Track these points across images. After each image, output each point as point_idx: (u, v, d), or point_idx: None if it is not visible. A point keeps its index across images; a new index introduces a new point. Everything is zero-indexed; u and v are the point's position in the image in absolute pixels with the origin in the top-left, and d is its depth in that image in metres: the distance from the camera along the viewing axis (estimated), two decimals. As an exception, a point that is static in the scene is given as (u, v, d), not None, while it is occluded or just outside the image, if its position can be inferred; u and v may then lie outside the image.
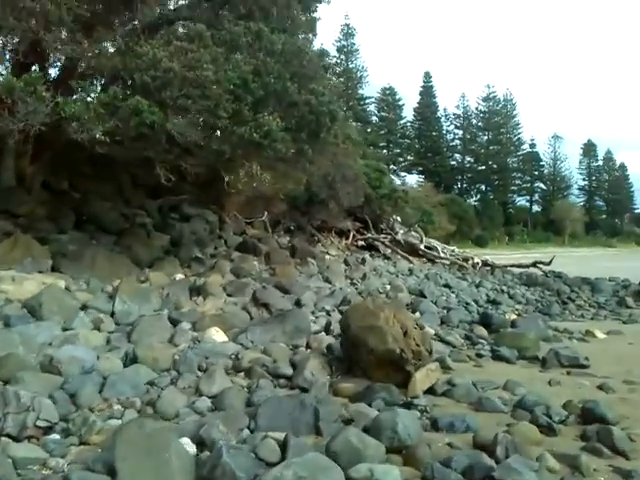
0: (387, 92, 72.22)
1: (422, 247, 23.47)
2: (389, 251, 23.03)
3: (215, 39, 9.43)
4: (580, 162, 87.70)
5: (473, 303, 14.41)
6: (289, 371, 6.15)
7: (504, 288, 18.40)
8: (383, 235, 23.15)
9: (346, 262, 18.71)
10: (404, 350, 6.20)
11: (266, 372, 6.21)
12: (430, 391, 6.22)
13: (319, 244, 21.23)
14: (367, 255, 21.30)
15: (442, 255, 23.93)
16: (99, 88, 9.87)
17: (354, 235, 22.83)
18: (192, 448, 4.05)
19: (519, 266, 24.35)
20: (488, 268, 23.81)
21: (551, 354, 8.19)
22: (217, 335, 7.49)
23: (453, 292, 16.13)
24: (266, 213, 21.02)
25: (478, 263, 24.02)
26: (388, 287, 14.86)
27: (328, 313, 10.25)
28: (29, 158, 11.67)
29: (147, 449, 3.63)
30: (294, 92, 9.89)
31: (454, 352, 8.72)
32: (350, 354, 6.59)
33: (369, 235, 22.84)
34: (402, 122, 74.20)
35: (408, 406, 5.59)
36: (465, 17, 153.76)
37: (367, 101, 69.88)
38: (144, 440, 3.69)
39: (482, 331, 10.59)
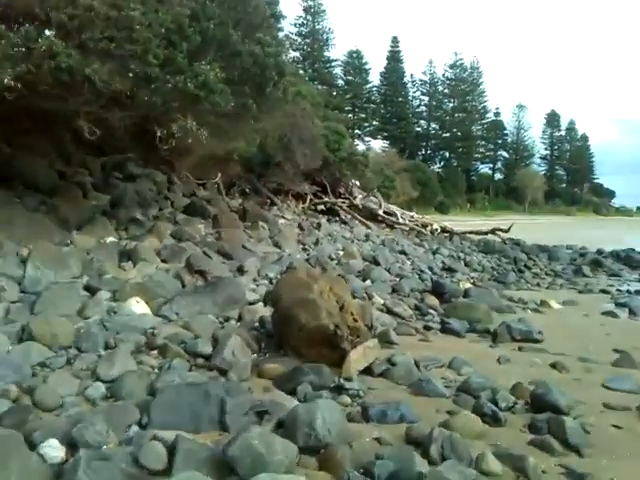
0: (354, 55, 70.73)
1: (381, 212, 22.79)
2: (349, 217, 22.32)
3: (148, -22, 8.35)
4: (543, 132, 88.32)
5: (428, 270, 13.83)
6: (209, 349, 5.35)
7: (461, 255, 17.92)
8: (341, 200, 22.36)
9: (300, 227, 17.93)
10: (339, 326, 5.48)
11: (183, 350, 5.41)
12: (367, 371, 5.54)
13: (274, 207, 20.35)
14: (323, 220, 20.56)
15: (401, 221, 23.30)
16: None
17: (311, 199, 21.99)
18: (59, 452, 3.26)
19: (478, 233, 23.91)
20: (447, 235, 23.34)
21: (503, 327, 7.61)
22: (137, 306, 6.66)
23: (409, 259, 15.55)
24: (219, 175, 20.03)
25: (437, 229, 23.51)
26: (341, 253, 14.17)
27: (271, 281, 9.49)
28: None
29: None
30: (237, 41, 8.91)
31: (401, 325, 8.08)
32: (280, 330, 5.85)
33: (326, 199, 22.03)
34: (368, 87, 72.94)
35: (339, 390, 4.90)
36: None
37: (333, 64, 68.34)
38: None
39: (433, 301, 10.01)
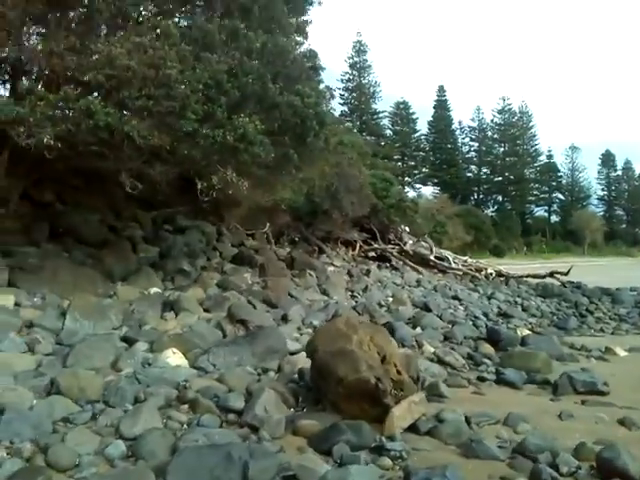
0: (401, 106, 71.05)
1: (432, 257, 22.14)
2: (400, 263, 21.78)
3: (185, 37, 8.46)
4: (599, 172, 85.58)
5: (482, 317, 13.13)
6: (241, 404, 4.98)
7: (518, 300, 17.06)
8: (391, 245, 21.89)
9: (350, 273, 17.55)
10: (381, 379, 5.03)
11: (215, 405, 5.06)
12: (413, 429, 5.03)
13: (323, 255, 20.07)
14: (374, 266, 20.11)
15: (453, 265, 22.58)
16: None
17: (361, 246, 21.62)
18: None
19: (535, 276, 22.85)
20: (502, 278, 22.43)
21: (564, 379, 6.92)
22: (173, 357, 6.38)
23: (462, 304, 14.86)
24: (268, 224, 20.01)
25: (492, 273, 22.61)
26: (390, 300, 13.67)
27: (315, 329, 9.10)
28: (3, 169, 10.73)
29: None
30: (275, 93, 8.85)
31: (452, 375, 7.50)
32: (318, 383, 5.43)
33: (375, 246, 21.61)
34: (416, 135, 72.92)
35: (379, 451, 4.41)
36: (479, 29, 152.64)
37: (380, 115, 68.81)
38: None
39: (488, 349, 9.36)
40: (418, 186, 71.40)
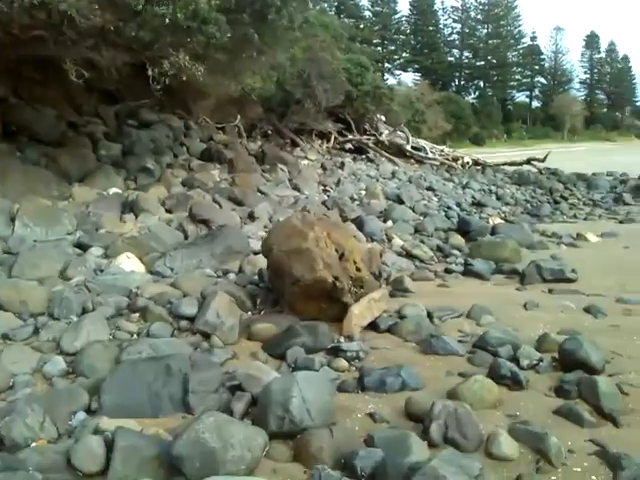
0: (380, -16, 67.20)
1: (408, 148, 21.64)
2: (377, 154, 21.27)
3: None
4: (582, 55, 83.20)
5: (455, 207, 12.95)
6: (193, 310, 4.74)
7: (492, 188, 16.88)
8: (366, 136, 21.26)
9: (323, 167, 17.12)
10: (338, 277, 4.80)
11: (167, 312, 4.83)
12: (373, 327, 4.88)
13: (297, 149, 19.48)
14: (348, 158, 19.64)
15: (430, 155, 22.15)
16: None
17: (335, 138, 20.98)
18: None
19: (512, 164, 22.61)
20: (479, 167, 22.14)
21: (531, 267, 6.80)
22: (127, 263, 6.09)
23: (436, 195, 14.67)
24: (239, 117, 19.19)
25: (468, 162, 22.27)
26: (363, 193, 13.37)
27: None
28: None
29: None
30: (230, -38, 7.97)
31: (419, 269, 7.37)
32: (275, 284, 5.21)
33: (350, 137, 20.98)
34: (397, 17, 69.55)
35: (336, 352, 4.26)
36: None
37: (359, -5, 65.11)
38: None
39: (458, 240, 9.23)
40: (398, 72, 69.13)
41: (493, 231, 9.29)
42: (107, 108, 15.11)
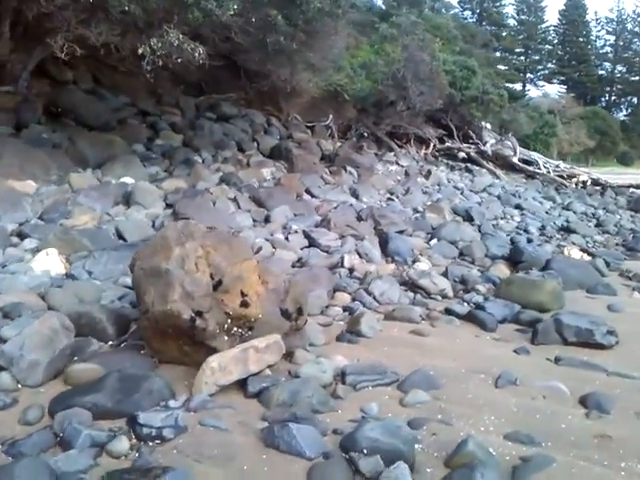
0: (529, -8, 62.72)
1: (515, 160, 19.13)
2: (491, 165, 18.98)
3: None
4: None
5: (535, 231, 10.75)
6: (11, 332, 3.57)
7: (600, 212, 14.15)
8: (467, 145, 19.08)
9: (407, 173, 15.43)
10: (202, 314, 3.41)
11: None
12: (242, 385, 3.42)
13: (391, 153, 17.91)
14: (443, 167, 17.72)
15: (542, 170, 19.47)
16: None
17: (434, 145, 19.07)
18: None
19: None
20: (598, 188, 19.10)
21: (549, 322, 4.87)
22: (43, 260, 5.13)
23: (522, 214, 12.43)
24: (331, 117, 18.03)
25: (586, 181, 19.31)
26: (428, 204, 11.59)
27: (287, 234, 7.53)
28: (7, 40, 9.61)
29: None
30: None
31: (416, 304, 5.69)
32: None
33: (448, 144, 18.95)
34: (544, 26, 64.46)
35: (133, 424, 2.87)
36: None
37: (504, 2, 61.13)
38: None
39: (502, 271, 7.34)
40: (542, 84, 64.25)
41: (547, 265, 7.20)
42: (188, 99, 14.69)
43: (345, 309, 5.31)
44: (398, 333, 4.78)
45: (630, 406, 3.56)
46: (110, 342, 3.86)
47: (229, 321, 3.54)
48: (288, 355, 3.88)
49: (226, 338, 3.54)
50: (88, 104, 10.66)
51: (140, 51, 6.72)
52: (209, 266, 3.56)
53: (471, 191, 14.62)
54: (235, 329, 3.58)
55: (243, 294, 3.61)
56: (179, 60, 6.95)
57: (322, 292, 5.26)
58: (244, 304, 3.59)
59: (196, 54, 6.90)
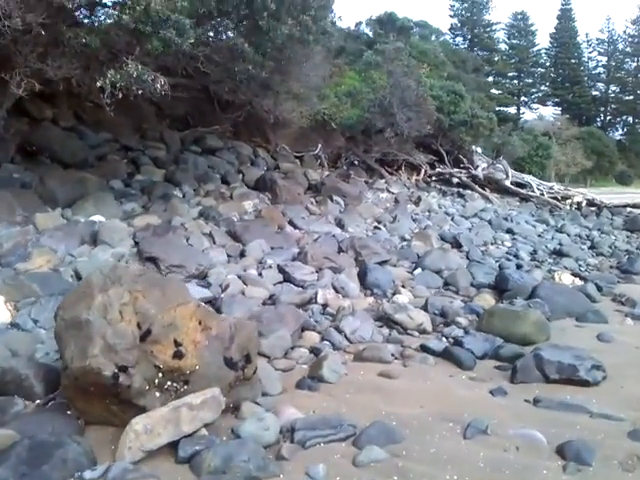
0: (518, 17, 63.33)
1: (507, 183, 18.85)
2: (485, 189, 18.66)
3: None
4: None
5: (525, 256, 10.40)
6: None
7: (594, 234, 13.80)
8: (457, 170, 18.83)
9: (396, 200, 15.16)
10: (127, 369, 3.05)
11: None
12: (175, 448, 3.04)
13: (382, 180, 17.67)
14: (434, 192, 17.43)
15: (536, 193, 19.17)
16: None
17: (426, 171, 18.83)
18: None
19: (636, 206, 18.93)
20: (594, 208, 18.76)
21: (527, 359, 4.50)
22: (-14, 309, 4.79)
23: (514, 239, 12.09)
24: (320, 146, 17.84)
25: (581, 202, 18.97)
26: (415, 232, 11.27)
27: (260, 272, 7.19)
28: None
29: None
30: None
31: (390, 341, 5.33)
32: (70, 365, 3.55)
33: (439, 170, 18.71)
34: (535, 49, 65.00)
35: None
36: None
37: (494, 27, 61.78)
38: None
39: (486, 301, 6.98)
40: (536, 106, 64.48)
41: (533, 293, 6.82)
42: (173, 133, 14.49)
43: (312, 350, 4.94)
44: (364, 377, 4.40)
45: (614, 455, 3.18)
46: (37, 401, 3.49)
47: (160, 375, 3.19)
48: (235, 409, 3.51)
49: (158, 395, 3.18)
50: (64, 141, 10.45)
51: (99, 84, 6.45)
52: (136, 314, 3.21)
53: (462, 216, 14.30)
54: (169, 384, 3.22)
55: (177, 343, 3.26)
56: (140, 92, 6.69)
57: (286, 333, 4.89)
58: (178, 355, 3.23)
59: (157, 85, 6.64)
